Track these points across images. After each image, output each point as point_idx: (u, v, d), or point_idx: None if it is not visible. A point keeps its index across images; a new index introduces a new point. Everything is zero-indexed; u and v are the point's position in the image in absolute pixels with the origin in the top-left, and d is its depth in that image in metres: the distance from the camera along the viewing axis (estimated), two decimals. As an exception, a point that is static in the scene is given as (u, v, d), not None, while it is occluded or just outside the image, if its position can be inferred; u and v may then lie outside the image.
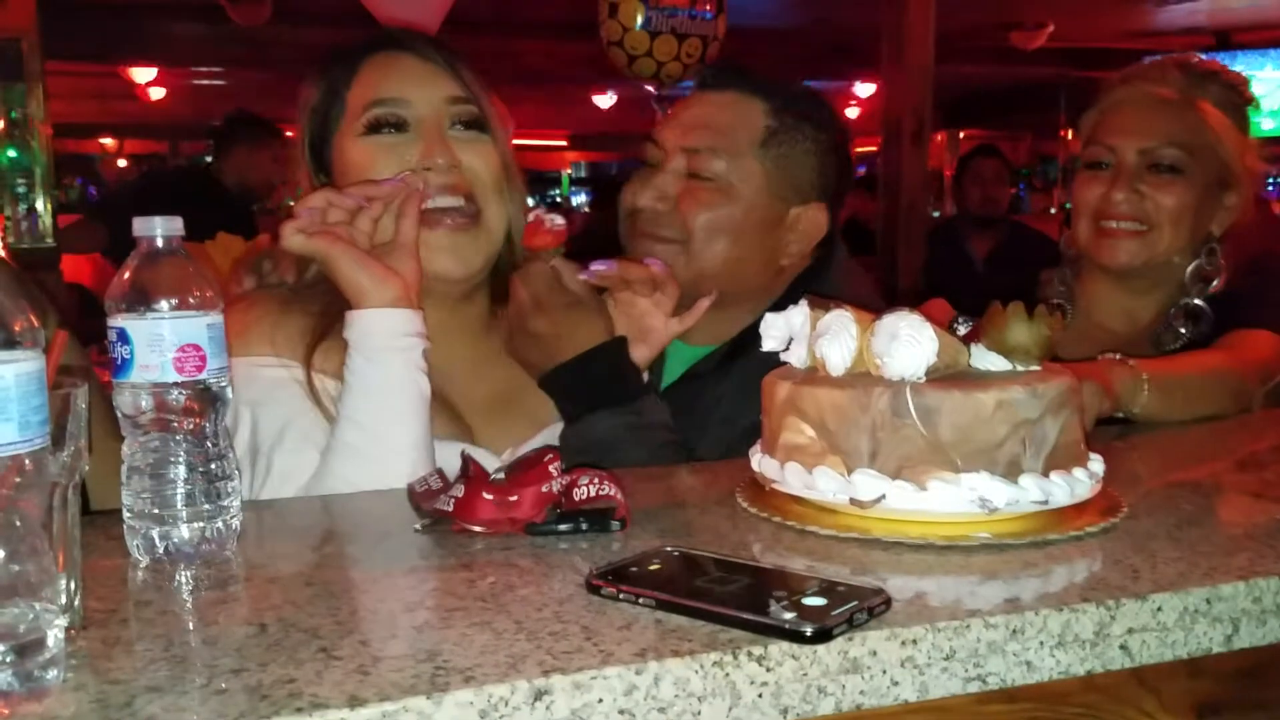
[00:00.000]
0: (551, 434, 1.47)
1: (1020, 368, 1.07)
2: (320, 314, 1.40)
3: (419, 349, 1.31)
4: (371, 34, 1.49)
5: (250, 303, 1.45)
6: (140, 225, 0.97)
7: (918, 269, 5.46)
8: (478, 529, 1.05)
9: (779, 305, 1.63)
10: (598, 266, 1.44)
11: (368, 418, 1.28)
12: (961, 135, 12.59)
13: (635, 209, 1.65)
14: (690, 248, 1.61)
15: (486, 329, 1.54)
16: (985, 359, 1.08)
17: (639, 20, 5.09)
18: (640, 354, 1.47)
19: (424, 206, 1.38)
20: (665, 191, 1.62)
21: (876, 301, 1.69)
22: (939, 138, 11.47)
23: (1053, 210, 11.55)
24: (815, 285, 1.67)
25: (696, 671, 0.75)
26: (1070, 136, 13.21)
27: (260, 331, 1.39)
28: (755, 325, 1.57)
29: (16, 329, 0.68)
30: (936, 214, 7.89)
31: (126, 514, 0.99)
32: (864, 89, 10.46)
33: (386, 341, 1.29)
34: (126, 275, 0.97)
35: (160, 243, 0.97)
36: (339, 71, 1.45)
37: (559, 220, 1.43)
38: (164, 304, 0.96)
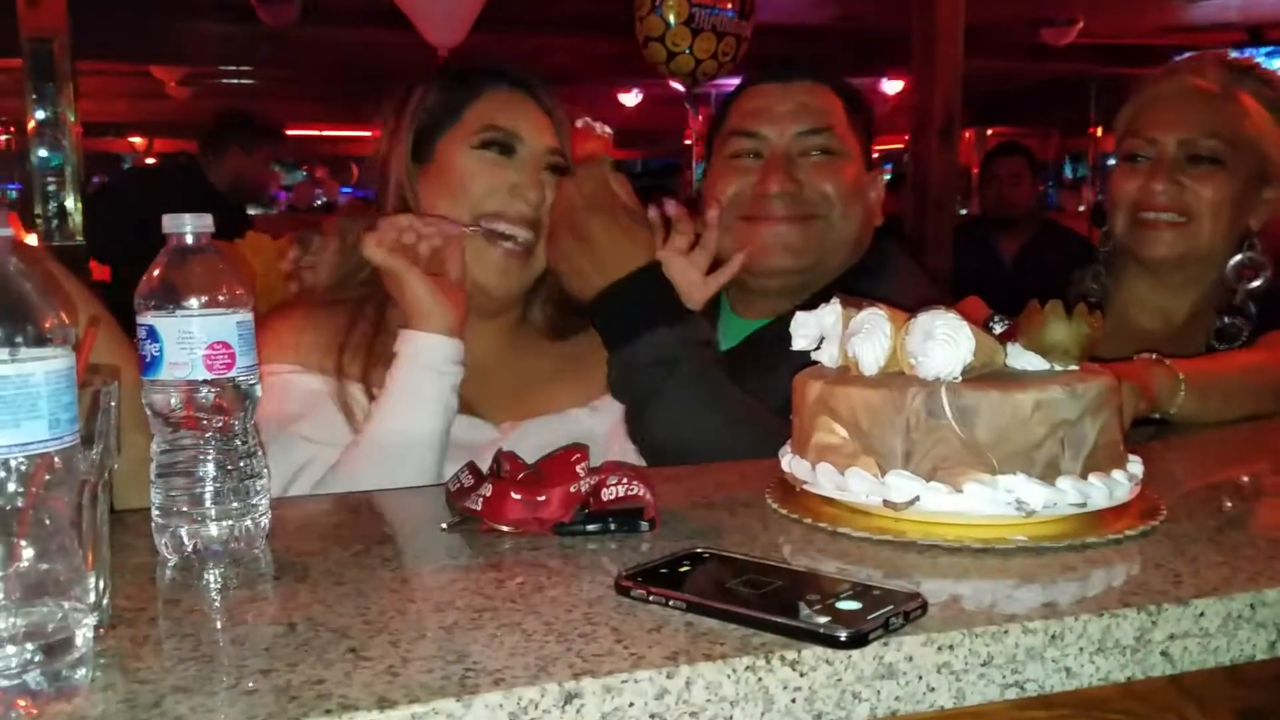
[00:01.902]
0: (557, 420, 1.53)
1: (1058, 367, 1.05)
2: (346, 325, 1.51)
3: (459, 376, 1.41)
4: (495, 64, 1.60)
5: (277, 317, 1.56)
6: (170, 222, 0.97)
7: (946, 267, 5.41)
8: (506, 529, 1.04)
9: (863, 266, 1.77)
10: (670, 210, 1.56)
11: (399, 424, 1.37)
12: (989, 132, 12.50)
13: (764, 195, 1.71)
14: (836, 221, 1.72)
15: (513, 331, 1.63)
16: (1022, 358, 1.06)
17: (684, 16, 5.09)
18: (695, 291, 1.56)
19: (495, 228, 1.50)
20: (791, 174, 1.72)
21: (928, 285, 1.82)
22: (967, 135, 11.39)
23: (1081, 208, 11.45)
24: (885, 255, 1.83)
25: (729, 676, 0.74)
26: (1100, 134, 13.12)
27: (284, 342, 1.49)
28: (837, 282, 1.72)
29: (47, 326, 0.68)
30: (964, 211, 7.82)
31: (155, 512, 0.99)
32: (891, 85, 10.40)
33: (435, 364, 1.39)
34: (156, 272, 0.96)
35: (190, 240, 0.97)
36: (463, 91, 1.56)
37: (605, 128, 1.52)
38: (193, 301, 0.95)
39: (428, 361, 1.38)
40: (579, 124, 1.54)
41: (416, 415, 1.37)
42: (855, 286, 1.56)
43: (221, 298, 0.97)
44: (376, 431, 1.38)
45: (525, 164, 1.53)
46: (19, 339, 0.66)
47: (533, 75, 1.58)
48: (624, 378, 1.48)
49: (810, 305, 1.65)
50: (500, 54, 1.62)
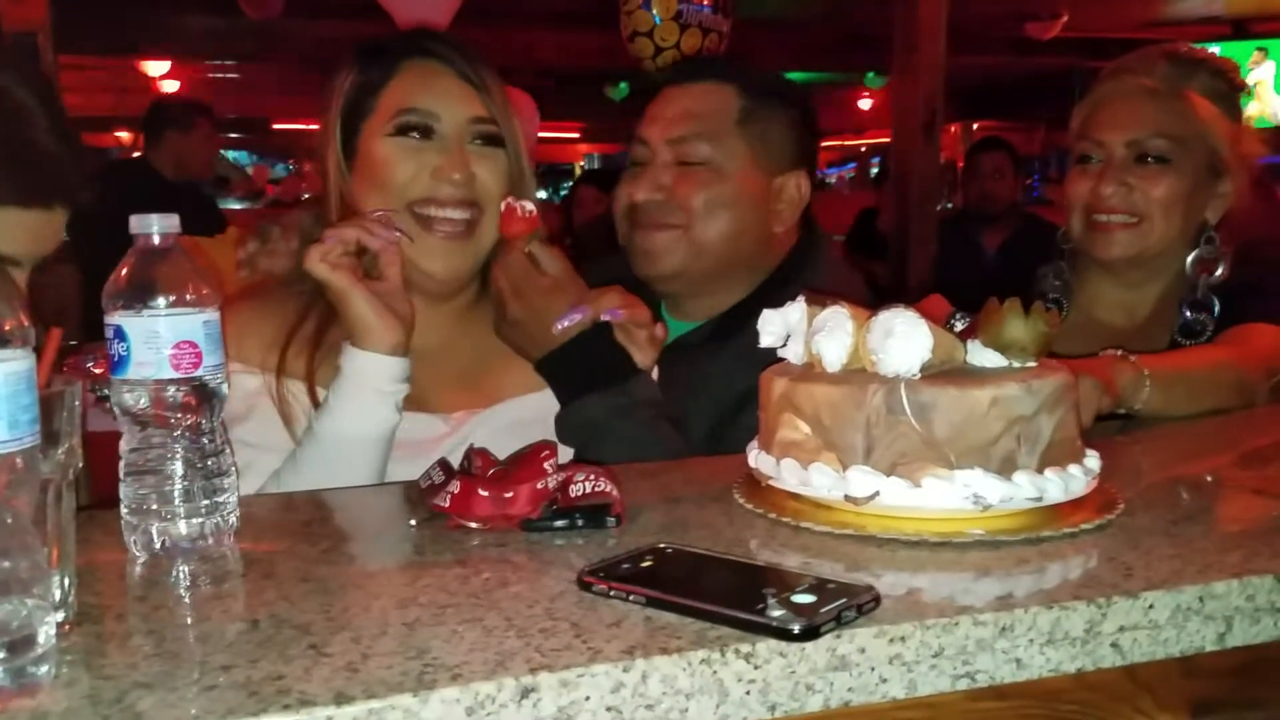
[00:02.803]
0: (510, 407, 1.51)
1: (1016, 364, 1.07)
2: (296, 318, 1.47)
3: (403, 394, 1.38)
4: (410, 36, 1.54)
5: (224, 308, 1.51)
6: (136, 223, 0.98)
7: (929, 262, 5.44)
8: (474, 525, 1.05)
9: (776, 278, 1.74)
10: (610, 314, 1.46)
11: (336, 452, 1.34)
12: (975, 126, 12.53)
13: (633, 204, 1.74)
14: (692, 229, 1.71)
15: (465, 313, 1.58)
16: (982, 355, 1.08)
17: (672, 11, 5.11)
18: (639, 361, 1.48)
19: (428, 213, 1.45)
20: (660, 182, 1.72)
21: (859, 287, 1.84)
22: (952, 129, 11.42)
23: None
24: (807, 259, 1.79)
25: (684, 669, 0.76)
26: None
27: (227, 336, 1.44)
28: (749, 299, 1.72)
29: (6, 328, 0.68)
30: (950, 205, 7.85)
31: (125, 510, 1.00)
32: (875, 81, 10.43)
33: (379, 385, 1.36)
34: (123, 272, 0.97)
35: (156, 240, 0.98)
36: (375, 71, 1.50)
37: (530, 207, 1.46)
38: (160, 301, 0.96)
39: (371, 382, 1.36)
40: (503, 205, 1.47)
41: (357, 429, 1.35)
42: (779, 290, 1.54)
43: (188, 297, 0.98)
44: (317, 441, 1.35)
45: (447, 141, 1.46)
46: (-23, 341, 0.67)
47: (449, 42, 1.51)
48: (560, 435, 1.46)
49: (733, 313, 1.71)
50: (486, 48, 1.54)
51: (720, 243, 1.71)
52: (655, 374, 1.53)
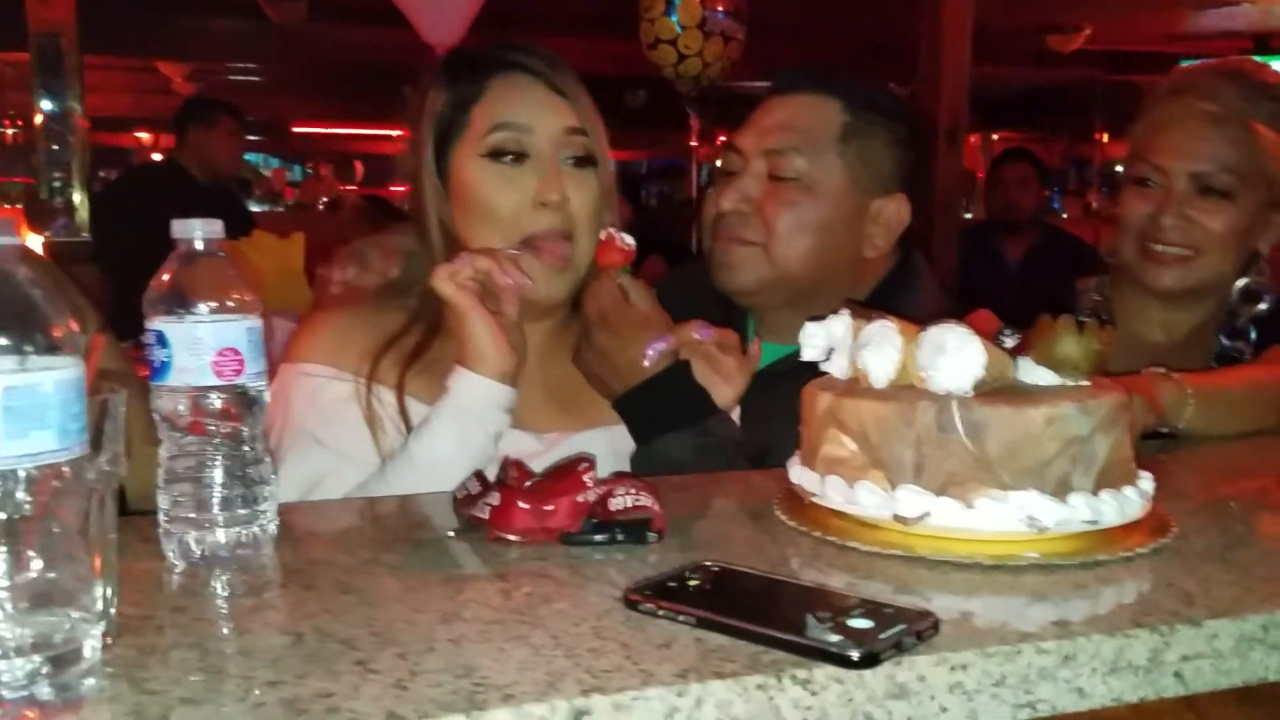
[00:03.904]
0: (604, 435, 1.48)
1: (1069, 382, 1.05)
2: (396, 331, 1.46)
3: (505, 424, 1.37)
4: (498, 49, 1.51)
5: (322, 312, 1.52)
6: (179, 227, 0.96)
7: (950, 272, 5.41)
8: (512, 538, 1.03)
9: (870, 303, 1.64)
10: (700, 333, 1.44)
11: (429, 472, 1.31)
12: (994, 137, 12.49)
13: (719, 214, 1.67)
14: (772, 248, 1.63)
15: (557, 332, 1.57)
16: (1033, 373, 1.06)
17: (697, 19, 5.10)
18: (723, 395, 1.44)
19: (530, 234, 1.44)
20: (748, 194, 1.65)
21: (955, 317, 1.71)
22: (972, 139, 11.38)
23: (1093, 206, 11.43)
24: (901, 284, 1.72)
25: (740, 694, 0.74)
26: (1106, 139, 13.10)
27: (322, 341, 1.46)
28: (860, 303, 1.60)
29: (57, 335, 0.67)
30: (968, 215, 7.82)
31: (162, 518, 0.98)
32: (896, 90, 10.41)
33: (485, 411, 1.35)
34: (165, 277, 0.96)
35: (200, 245, 0.96)
36: (466, 86, 1.48)
37: (629, 240, 1.44)
38: (203, 307, 0.95)
39: (476, 405, 1.34)
40: (602, 235, 1.45)
41: (454, 452, 1.32)
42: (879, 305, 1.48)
43: (231, 303, 0.96)
44: (411, 459, 1.34)
45: (542, 160, 1.44)
46: (28, 348, 0.66)
47: (537, 54, 1.48)
48: (635, 473, 1.40)
49: None
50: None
51: (802, 264, 1.64)
52: (739, 407, 1.49)
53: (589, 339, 1.46)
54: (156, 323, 0.95)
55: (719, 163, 1.76)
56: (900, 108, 1.73)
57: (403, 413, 1.41)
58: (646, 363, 1.41)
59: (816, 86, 1.68)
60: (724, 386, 1.44)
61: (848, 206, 1.65)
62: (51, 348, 0.66)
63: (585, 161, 1.47)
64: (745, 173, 1.66)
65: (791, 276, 1.64)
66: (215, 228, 0.97)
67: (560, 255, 1.45)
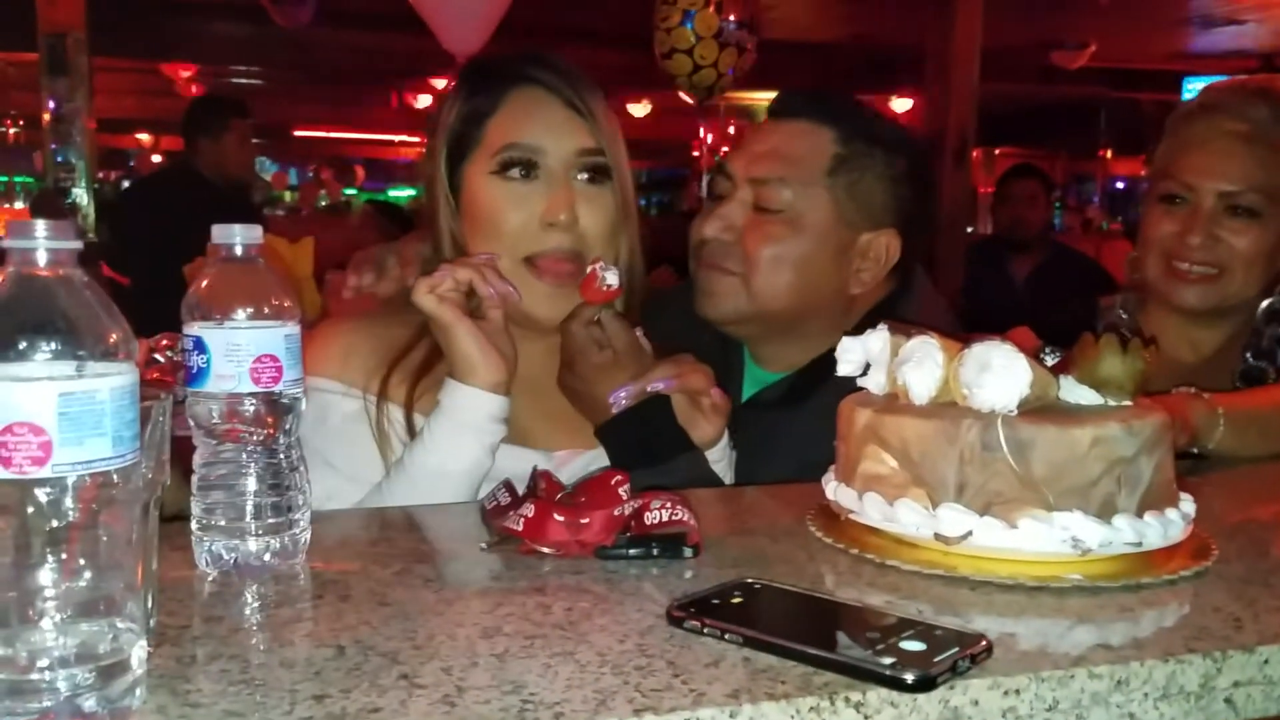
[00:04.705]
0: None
1: (1112, 402, 1.04)
2: (405, 345, 1.44)
3: (500, 434, 1.36)
4: (517, 62, 1.47)
5: (331, 325, 1.51)
6: (219, 233, 0.96)
7: (957, 289, 5.41)
8: (546, 550, 1.02)
9: (852, 335, 1.61)
10: (656, 385, 1.41)
11: (427, 486, 1.31)
12: (997, 153, 12.52)
13: (702, 240, 1.63)
14: (752, 281, 1.58)
15: None
16: (1075, 392, 1.05)
17: (714, 29, 5.10)
18: (703, 432, 1.43)
19: (539, 263, 1.42)
20: (731, 223, 1.60)
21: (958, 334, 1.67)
22: (976, 155, 11.42)
23: (1094, 222, 11.45)
24: (890, 315, 1.64)
25: (792, 716, 0.72)
26: (1110, 156, 13.13)
27: (331, 355, 1.43)
28: (824, 357, 1.55)
29: (112, 341, 0.66)
30: (970, 230, 7.82)
31: (195, 525, 0.97)
32: (900, 104, 10.42)
33: (478, 422, 1.33)
34: (204, 283, 0.95)
35: (239, 251, 0.96)
36: (482, 100, 1.46)
37: (612, 282, 1.39)
38: (241, 314, 0.94)
39: (468, 417, 1.33)
40: (587, 270, 1.41)
41: (449, 465, 1.32)
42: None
43: (269, 310, 0.95)
44: (406, 473, 1.33)
45: (553, 177, 1.41)
46: (84, 354, 0.65)
47: (556, 68, 1.45)
48: None
49: (808, 370, 1.57)
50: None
51: (782, 298, 1.58)
52: (725, 438, 1.47)
53: (560, 376, 1.45)
54: (195, 328, 0.94)
55: (707, 180, 1.71)
56: (900, 139, 1.66)
57: (411, 430, 1.39)
58: (614, 408, 1.40)
59: (811, 113, 1.63)
60: (704, 424, 1.42)
61: (833, 241, 1.60)
62: (107, 354, 0.65)
63: (599, 177, 1.44)
64: (732, 199, 1.61)
65: (770, 309, 1.59)
66: (255, 234, 0.96)
67: (562, 274, 1.42)
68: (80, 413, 0.63)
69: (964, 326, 1.59)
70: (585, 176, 1.43)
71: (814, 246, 1.59)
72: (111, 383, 0.65)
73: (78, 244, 0.65)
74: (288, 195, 15.03)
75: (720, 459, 1.47)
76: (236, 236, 0.95)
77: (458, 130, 1.46)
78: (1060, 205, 13.06)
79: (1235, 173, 1.71)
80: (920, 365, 1.05)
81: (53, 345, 0.64)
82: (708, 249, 1.62)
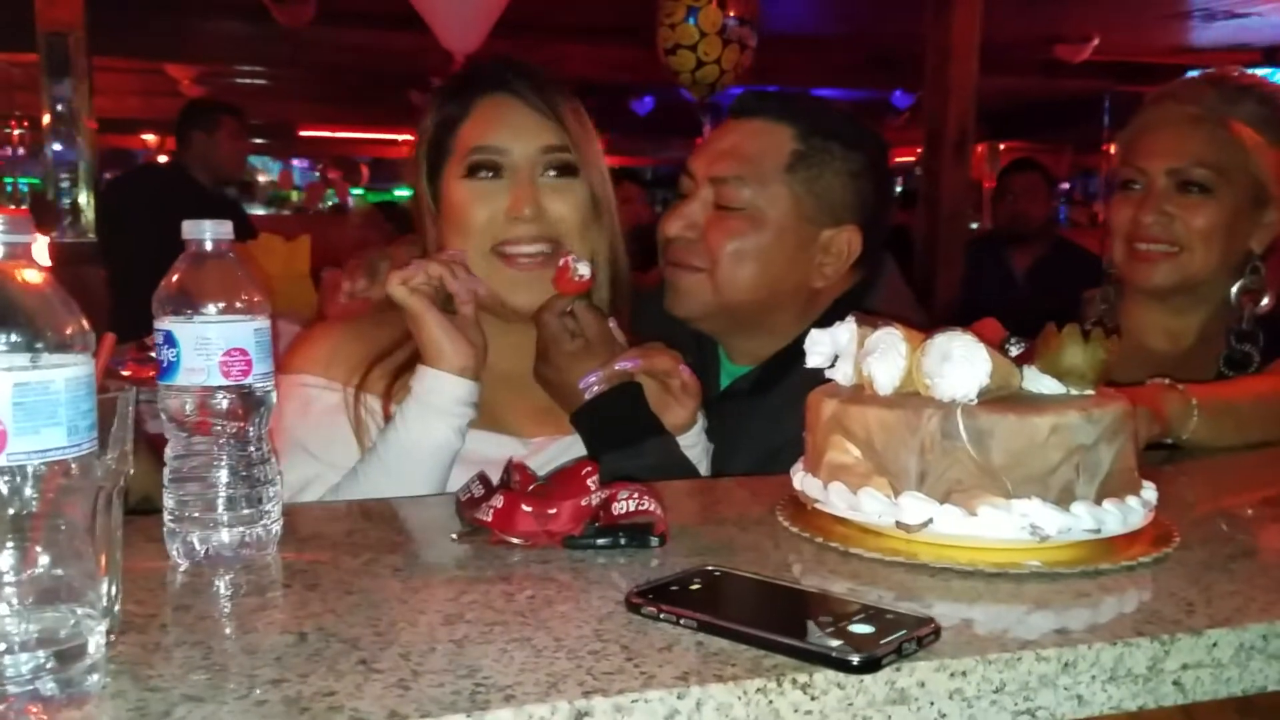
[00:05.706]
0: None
1: (1074, 392, 1.05)
2: (389, 344, 1.50)
3: (468, 418, 1.41)
4: (484, 70, 1.54)
5: (322, 326, 1.57)
6: (189, 228, 0.97)
7: (957, 282, 5.41)
8: (515, 541, 1.04)
9: (816, 327, 1.64)
10: (623, 365, 1.46)
11: (398, 466, 1.38)
12: (1001, 147, 12.49)
13: (667, 239, 1.69)
14: (716, 275, 1.62)
15: None
16: (1038, 381, 1.06)
17: (717, 25, 5.11)
18: (675, 416, 1.48)
19: (506, 250, 1.47)
20: (694, 220, 1.65)
21: (920, 325, 1.69)
22: (979, 149, 11.39)
23: (1100, 218, 11.40)
24: (855, 308, 1.66)
25: (740, 697, 0.74)
26: (1113, 150, 13.09)
27: (317, 353, 1.49)
28: (790, 348, 1.62)
29: (68, 332, 0.68)
30: (974, 225, 7.82)
31: (168, 517, 0.99)
32: (903, 99, 10.40)
33: (446, 405, 1.39)
34: (175, 278, 0.97)
35: (209, 246, 0.97)
36: (453, 109, 1.53)
37: (584, 272, 1.44)
38: (211, 308, 0.96)
39: (437, 400, 1.38)
40: (560, 262, 1.45)
41: (419, 446, 1.38)
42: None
43: (239, 304, 0.97)
44: (378, 454, 1.39)
45: (518, 175, 1.47)
46: (40, 345, 0.66)
47: (521, 73, 1.50)
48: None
49: (773, 363, 1.63)
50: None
51: (746, 292, 1.62)
52: (700, 426, 1.52)
53: (534, 365, 1.50)
54: (165, 322, 0.96)
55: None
56: (859, 136, 1.68)
57: (387, 419, 1.44)
58: (585, 394, 1.45)
59: (770, 112, 1.66)
60: (676, 408, 1.47)
61: (793, 236, 1.62)
62: (62, 345, 0.67)
63: (566, 173, 1.49)
64: (695, 197, 1.66)
65: (735, 304, 1.63)
66: (225, 229, 0.98)
67: (530, 260, 1.47)
68: (35, 403, 0.64)
69: (965, 320, 1.61)
70: (552, 173, 1.49)
71: (775, 241, 1.62)
72: (67, 373, 0.66)
73: (33, 237, 0.66)
74: (294, 195, 15.08)
75: (695, 445, 1.50)
76: (206, 231, 0.97)
77: (434, 139, 1.53)
78: (1067, 200, 13.04)
79: (1182, 150, 1.74)
80: (884, 356, 1.06)
81: (8, 336, 0.65)
82: (673, 247, 1.67)
